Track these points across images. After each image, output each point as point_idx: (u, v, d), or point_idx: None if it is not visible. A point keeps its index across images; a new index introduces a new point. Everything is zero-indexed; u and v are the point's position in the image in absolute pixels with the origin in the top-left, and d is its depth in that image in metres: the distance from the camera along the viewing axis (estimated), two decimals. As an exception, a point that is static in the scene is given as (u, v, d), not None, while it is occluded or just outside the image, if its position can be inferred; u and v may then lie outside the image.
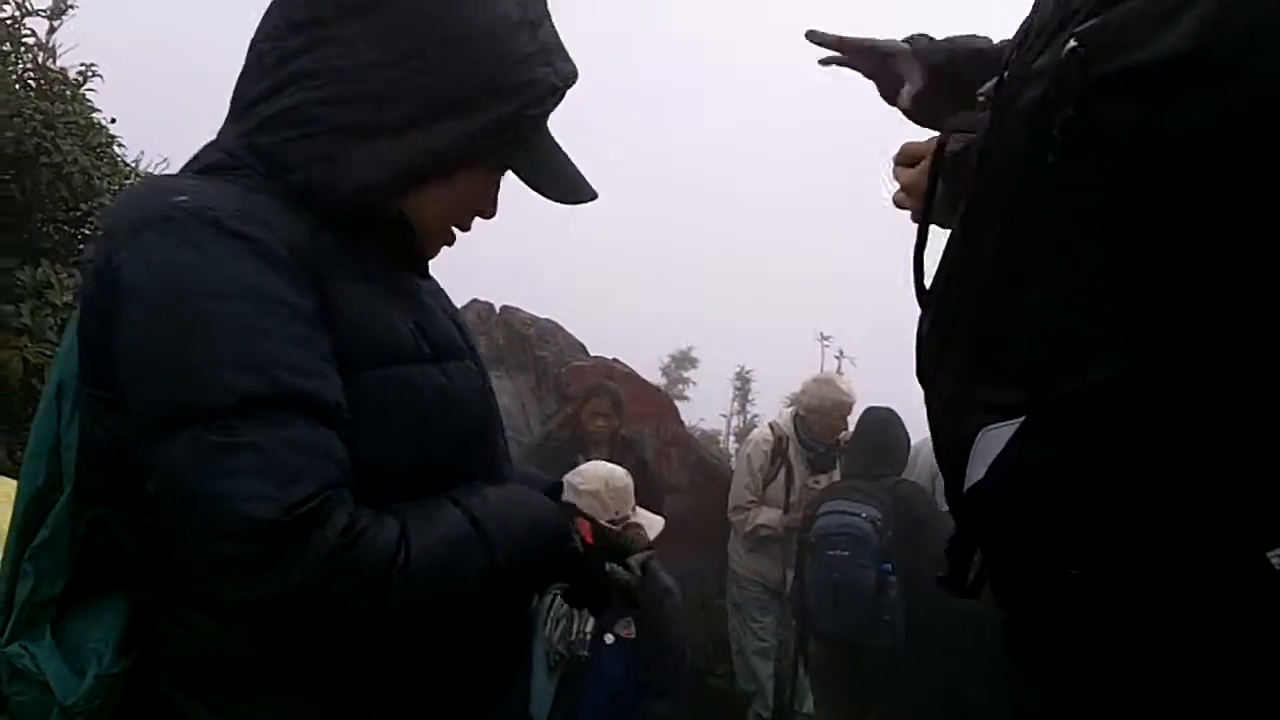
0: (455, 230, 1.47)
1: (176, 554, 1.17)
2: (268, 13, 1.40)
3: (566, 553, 1.44)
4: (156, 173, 4.40)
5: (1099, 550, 1.05)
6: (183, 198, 1.23)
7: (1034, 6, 1.21)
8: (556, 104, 1.42)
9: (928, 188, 1.41)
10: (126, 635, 1.29)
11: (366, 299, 1.31)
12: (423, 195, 1.38)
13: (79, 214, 3.95)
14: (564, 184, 1.46)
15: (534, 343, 7.44)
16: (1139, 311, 0.98)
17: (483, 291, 8.27)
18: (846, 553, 4.44)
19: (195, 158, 1.38)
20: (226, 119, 1.40)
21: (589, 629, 3.63)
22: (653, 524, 3.86)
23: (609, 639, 3.70)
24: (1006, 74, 1.19)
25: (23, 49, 4.12)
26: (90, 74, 4.27)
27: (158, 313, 1.18)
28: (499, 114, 1.35)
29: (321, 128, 1.31)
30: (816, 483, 5.58)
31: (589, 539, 1.51)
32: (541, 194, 1.45)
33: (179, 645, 1.28)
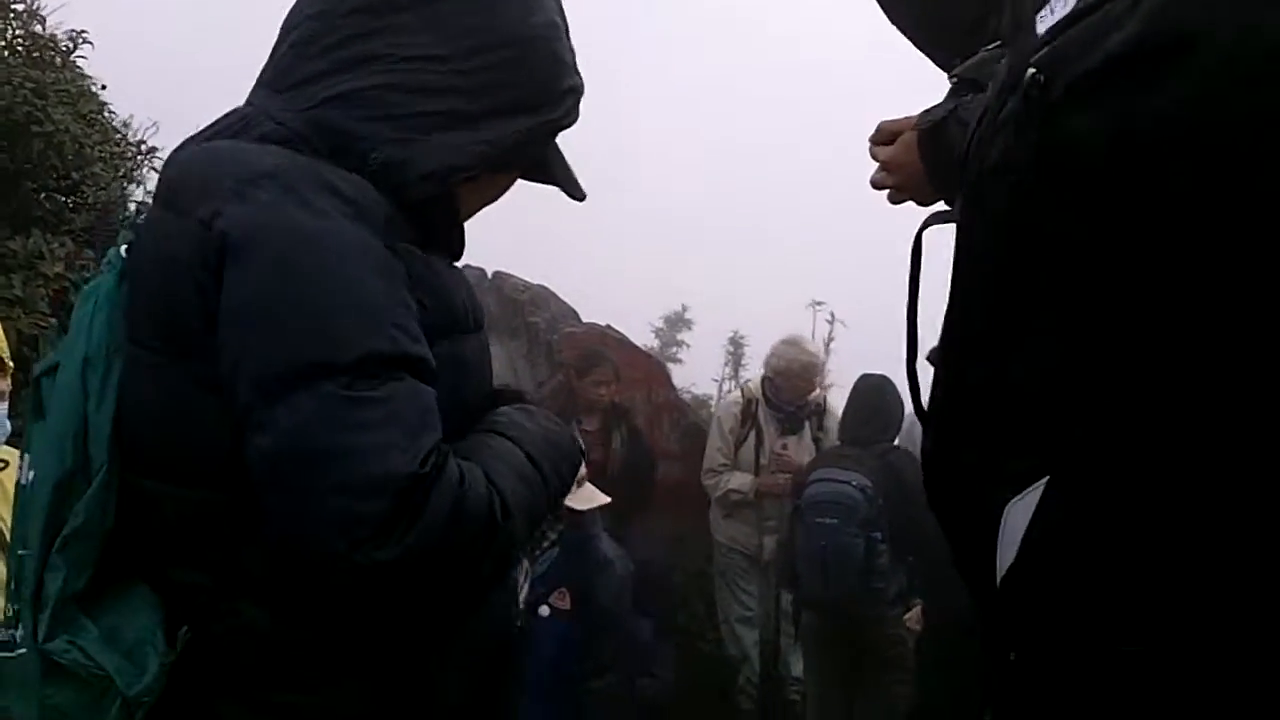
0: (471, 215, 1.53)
1: (282, 524, 1.16)
2: None
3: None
4: (147, 138, 4.39)
5: (1164, 618, 0.96)
6: (278, 160, 1.25)
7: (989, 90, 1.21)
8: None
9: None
10: (168, 625, 1.26)
11: (434, 272, 1.34)
12: (470, 187, 1.43)
13: (70, 183, 3.93)
14: (576, 183, 1.57)
15: (526, 309, 7.44)
16: (1154, 345, 0.96)
17: (473, 257, 8.25)
18: (835, 520, 4.47)
19: (238, 125, 1.35)
20: (265, 90, 1.38)
21: (522, 600, 3.64)
22: (592, 498, 3.89)
23: (544, 611, 3.72)
24: (972, 146, 1.17)
25: (11, 15, 4.09)
26: (80, 40, 4.24)
27: (281, 267, 1.18)
28: (550, 118, 1.44)
29: (400, 111, 1.33)
30: (784, 446, 5.61)
31: None
32: (567, 193, 1.57)
33: (227, 636, 1.25)
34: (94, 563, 1.28)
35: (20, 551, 1.34)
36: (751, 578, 5.82)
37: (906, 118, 1.74)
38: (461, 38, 1.37)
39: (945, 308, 1.22)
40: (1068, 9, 1.07)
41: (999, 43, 1.54)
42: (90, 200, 3.94)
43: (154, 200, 1.37)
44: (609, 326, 7.32)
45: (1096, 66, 0.98)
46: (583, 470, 4.01)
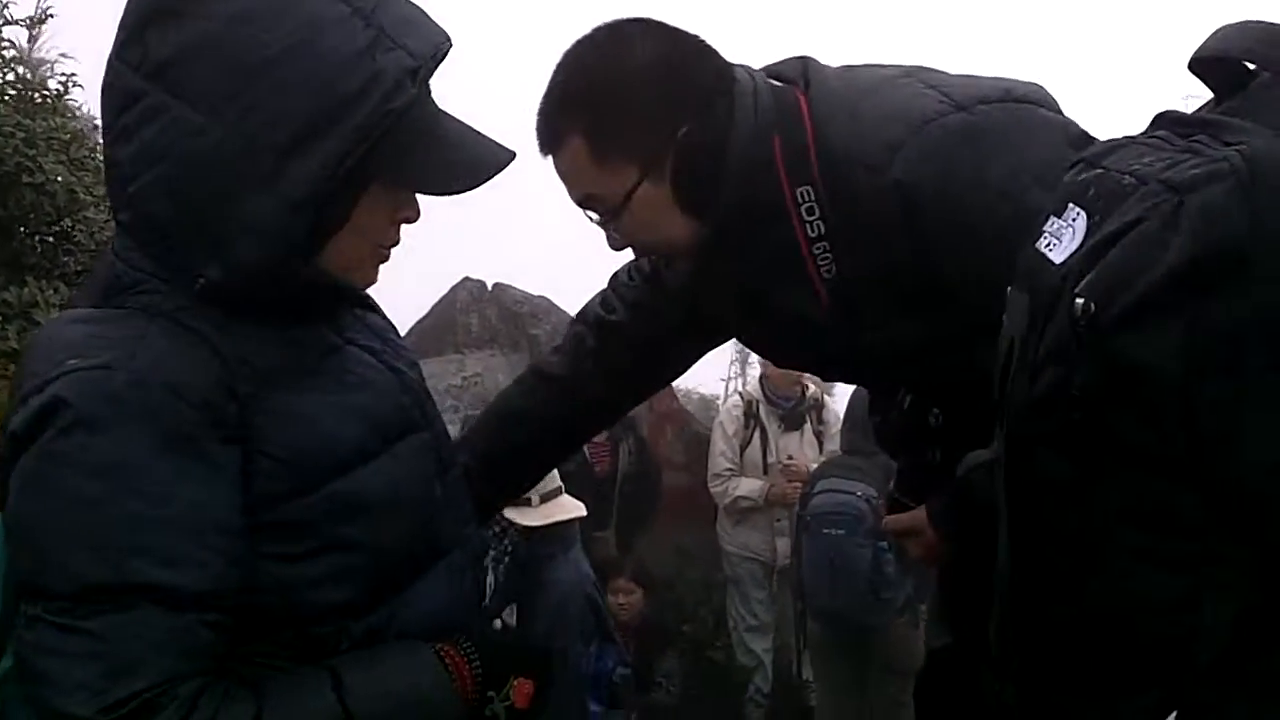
0: (385, 248, 1.36)
1: None
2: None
3: None
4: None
5: None
6: (74, 359, 1.17)
7: (1003, 333, 1.24)
8: (423, 82, 1.25)
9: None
10: None
11: (303, 411, 1.26)
12: (332, 244, 1.27)
13: (61, 229, 3.94)
14: (461, 170, 1.31)
15: (527, 321, 7.45)
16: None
17: (474, 270, 8.25)
18: (842, 531, 4.46)
19: (98, 274, 1.32)
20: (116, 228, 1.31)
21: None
22: (553, 513, 3.90)
23: (496, 624, 3.72)
24: (1008, 385, 1.19)
25: (2, 63, 4.09)
26: (71, 84, 4.25)
27: (27, 487, 1.15)
28: (352, 127, 1.19)
29: (184, 223, 1.21)
30: (790, 456, 5.61)
31: (522, 703, 1.39)
32: (432, 193, 1.32)
33: None
34: None
35: None
36: (763, 584, 5.80)
37: (910, 516, 1.90)
38: (209, 95, 1.18)
39: (1001, 558, 1.24)
40: (1080, 237, 1.10)
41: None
42: (82, 244, 3.94)
43: None
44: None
45: (1156, 285, 1.00)
46: (556, 482, 4.02)
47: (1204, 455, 1.01)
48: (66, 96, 4.26)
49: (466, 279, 7.68)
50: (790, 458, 5.60)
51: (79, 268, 3.99)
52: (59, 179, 3.71)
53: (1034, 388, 1.12)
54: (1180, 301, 1.00)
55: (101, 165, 3.97)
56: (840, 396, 5.53)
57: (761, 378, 5.84)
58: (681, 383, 7.91)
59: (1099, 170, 1.13)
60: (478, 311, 7.46)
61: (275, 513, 1.22)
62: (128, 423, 1.14)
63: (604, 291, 2.14)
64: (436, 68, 1.26)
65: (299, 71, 1.18)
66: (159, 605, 1.12)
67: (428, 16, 1.29)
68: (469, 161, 1.32)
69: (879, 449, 4.63)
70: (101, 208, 3.98)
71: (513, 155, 1.34)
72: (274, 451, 1.22)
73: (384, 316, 1.52)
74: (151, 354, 1.18)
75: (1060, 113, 1.68)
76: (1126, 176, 1.08)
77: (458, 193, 1.31)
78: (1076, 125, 1.63)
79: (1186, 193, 1.00)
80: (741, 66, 1.74)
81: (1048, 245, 1.14)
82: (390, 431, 1.35)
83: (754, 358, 8.22)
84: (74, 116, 4.27)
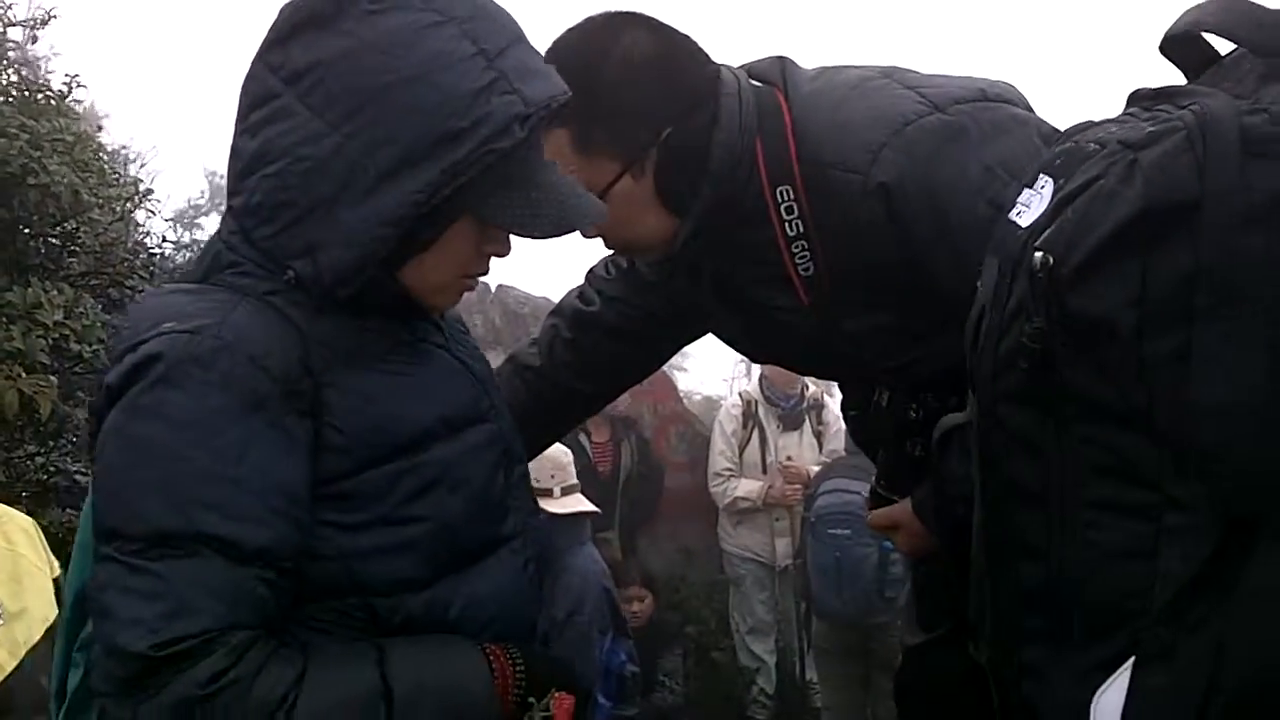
0: (470, 278, 1.42)
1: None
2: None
3: None
4: (147, 164, 4.40)
5: None
6: (169, 323, 1.26)
7: (976, 299, 1.27)
8: (531, 129, 1.31)
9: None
10: None
11: (373, 392, 1.32)
12: (417, 262, 1.34)
13: (65, 230, 3.93)
14: (546, 218, 1.36)
15: (529, 322, 7.43)
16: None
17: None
18: (848, 532, 4.47)
19: (204, 252, 1.40)
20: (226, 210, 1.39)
21: None
22: (588, 504, 3.96)
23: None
24: (979, 342, 1.23)
25: (4, 63, 4.09)
26: (75, 85, 4.24)
27: (113, 436, 1.24)
28: (451, 161, 1.25)
29: (288, 218, 1.30)
30: (789, 458, 5.60)
31: (562, 717, 1.39)
32: (513, 232, 1.38)
33: None
34: None
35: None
36: (765, 585, 5.79)
37: (896, 508, 1.89)
38: (340, 102, 1.26)
39: (976, 518, 1.28)
40: (1046, 201, 1.14)
41: None
42: (86, 244, 3.94)
43: None
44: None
45: (1109, 238, 1.05)
46: (574, 478, 4.01)
47: (1158, 405, 1.05)
48: (69, 98, 4.24)
49: (468, 280, 7.65)
50: (789, 458, 5.59)
51: (83, 269, 3.99)
52: (64, 180, 3.69)
53: (1000, 346, 1.16)
54: (1132, 253, 1.04)
55: (105, 167, 3.98)
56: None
57: (761, 377, 5.82)
58: (684, 383, 7.92)
59: (1070, 143, 1.18)
60: (481, 313, 7.45)
61: (341, 484, 1.28)
62: (209, 384, 1.22)
63: (581, 285, 2.16)
64: (547, 116, 1.33)
65: (416, 100, 1.25)
66: (220, 556, 1.19)
67: (551, 70, 1.37)
68: (556, 211, 1.36)
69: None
70: (105, 209, 3.98)
71: (603, 213, 1.43)
72: (343, 426, 1.28)
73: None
74: (239, 325, 1.26)
75: (1031, 110, 1.74)
76: (1092, 144, 1.13)
77: (538, 237, 1.36)
78: (1047, 123, 1.69)
79: (1140, 149, 1.06)
80: (725, 67, 1.78)
81: (1018, 213, 1.18)
82: (458, 418, 1.40)
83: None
84: (77, 117, 4.26)
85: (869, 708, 4.81)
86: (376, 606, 1.31)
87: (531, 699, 1.36)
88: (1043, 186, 1.16)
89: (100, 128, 4.30)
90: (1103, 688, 1.09)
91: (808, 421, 5.70)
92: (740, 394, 6.07)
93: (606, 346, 2.10)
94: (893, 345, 1.78)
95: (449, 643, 1.34)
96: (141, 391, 1.22)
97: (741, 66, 1.82)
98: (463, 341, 1.52)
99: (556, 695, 1.38)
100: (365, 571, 1.30)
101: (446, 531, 1.35)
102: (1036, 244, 1.10)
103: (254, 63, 1.34)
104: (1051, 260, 1.08)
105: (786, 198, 1.70)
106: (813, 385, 5.75)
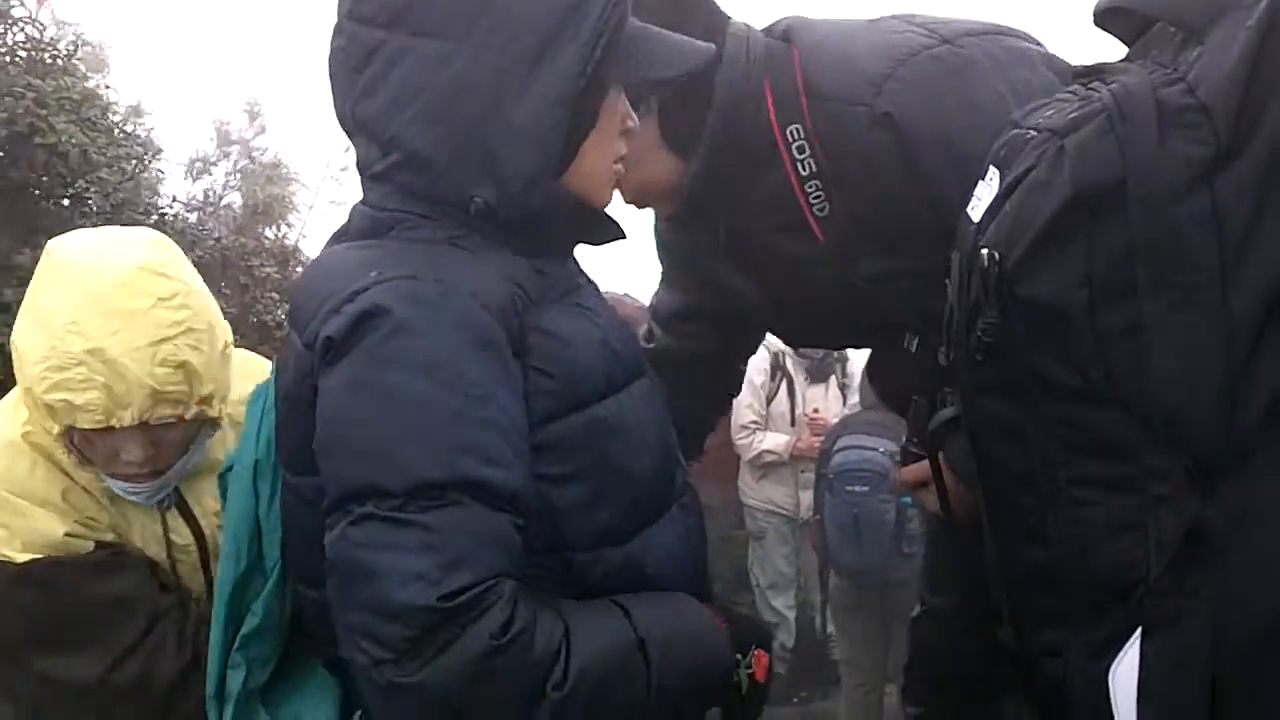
0: (617, 164, 1.42)
1: (338, 629, 1.17)
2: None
3: (725, 688, 1.36)
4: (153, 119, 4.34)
5: None
6: (375, 272, 1.21)
7: (947, 297, 1.30)
8: None
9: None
10: (344, 708, 1.33)
11: (566, 334, 1.29)
12: (580, 157, 1.34)
13: (74, 191, 3.90)
14: (677, 56, 1.40)
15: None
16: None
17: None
18: (865, 488, 4.44)
19: (349, 228, 1.36)
20: (362, 184, 1.37)
21: None
22: None
23: None
24: (951, 342, 1.26)
25: (11, 22, 4.04)
26: (80, 43, 4.19)
27: (352, 389, 1.18)
28: (589, 26, 1.27)
29: (451, 149, 1.27)
30: (816, 410, 5.58)
31: (761, 676, 1.39)
32: (664, 77, 1.40)
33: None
34: (274, 658, 1.35)
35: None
36: (787, 540, 5.78)
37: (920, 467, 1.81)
38: (450, 23, 1.26)
39: (984, 500, 1.29)
40: (994, 194, 1.17)
41: None
42: (96, 206, 3.91)
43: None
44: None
45: (1047, 226, 1.08)
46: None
47: (1119, 379, 1.07)
48: (75, 56, 4.19)
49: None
50: (815, 410, 5.56)
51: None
52: (72, 140, 3.65)
53: (969, 340, 1.18)
54: (1071, 236, 1.08)
55: (114, 126, 3.92)
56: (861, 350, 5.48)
57: (788, 330, 5.74)
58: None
59: (1014, 131, 1.20)
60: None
61: (546, 431, 1.25)
62: (443, 326, 1.18)
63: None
64: None
65: None
66: (480, 503, 1.15)
67: None
68: (680, 50, 1.40)
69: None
70: (115, 169, 3.94)
71: (711, 47, 1.44)
72: (547, 368, 1.25)
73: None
74: (453, 266, 1.24)
75: (1043, 47, 1.73)
76: (1030, 131, 1.16)
77: (683, 76, 1.39)
78: (1059, 58, 1.67)
79: (1065, 135, 1.09)
80: (738, 20, 1.78)
81: (973, 207, 1.20)
82: (627, 368, 1.37)
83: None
84: (84, 76, 4.22)
85: (888, 662, 4.80)
86: (574, 561, 1.28)
87: (739, 655, 1.37)
88: (992, 179, 1.18)
89: (109, 85, 4.23)
90: (1117, 660, 1.10)
91: (834, 374, 5.65)
92: (766, 346, 6.01)
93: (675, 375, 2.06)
94: (913, 291, 1.75)
95: (677, 598, 1.34)
96: (378, 342, 1.17)
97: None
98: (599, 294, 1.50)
99: (756, 652, 1.39)
100: (569, 526, 1.27)
101: (640, 484, 1.33)
102: (982, 241, 1.14)
103: (339, 29, 1.32)
104: (998, 255, 1.11)
105: (797, 136, 1.69)
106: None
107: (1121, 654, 1.09)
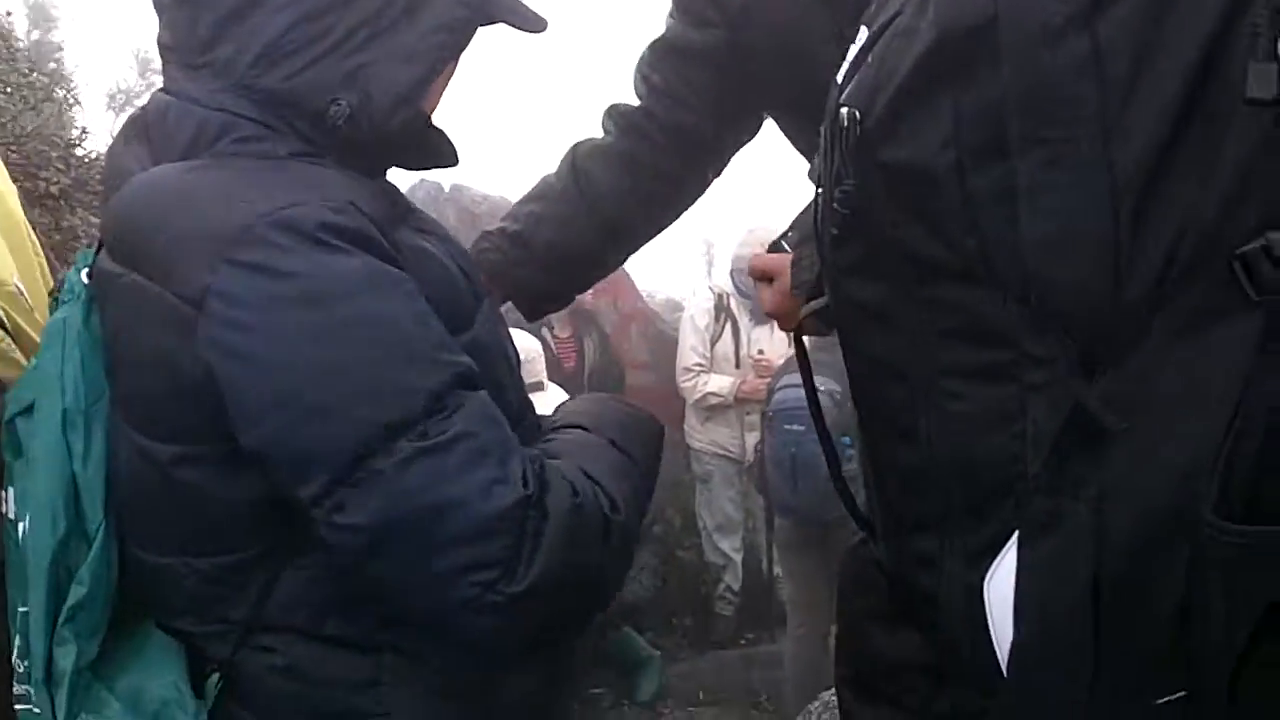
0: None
1: (404, 594, 1.11)
2: None
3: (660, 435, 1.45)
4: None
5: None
6: (253, 206, 1.10)
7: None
8: None
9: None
10: (192, 672, 1.20)
11: (420, 256, 1.22)
12: (435, 87, 1.30)
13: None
14: (530, 16, 1.37)
15: (485, 221, 7.25)
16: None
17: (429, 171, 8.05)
18: (803, 427, 4.36)
19: (166, 129, 1.21)
20: (179, 68, 1.22)
21: None
22: (553, 399, 3.80)
23: None
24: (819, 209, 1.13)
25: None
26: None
27: (305, 341, 1.08)
28: None
29: (318, 50, 1.18)
30: (761, 351, 5.48)
31: None
32: (524, 29, 1.36)
33: (264, 677, 1.19)
34: (103, 627, 1.20)
35: (21, 609, 1.23)
36: (732, 482, 5.73)
37: (777, 257, 1.62)
38: None
39: (853, 397, 1.19)
40: (862, 41, 1.04)
41: None
42: (-6, 136, 3.73)
43: (104, 244, 1.23)
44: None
45: (910, 77, 0.96)
46: (542, 375, 3.89)
47: (991, 251, 0.95)
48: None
49: (423, 180, 7.46)
50: (761, 352, 5.46)
51: None
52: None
53: (834, 217, 1.08)
54: (936, 89, 0.95)
55: (15, 51, 3.73)
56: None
57: (732, 271, 5.63)
58: (646, 284, 7.77)
59: None
60: (435, 212, 7.21)
61: None
62: (357, 247, 1.10)
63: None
64: None
65: None
66: (471, 389, 1.13)
67: None
68: (529, 10, 1.37)
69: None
70: (14, 96, 3.75)
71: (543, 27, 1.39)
72: (426, 291, 1.17)
73: None
74: (331, 185, 1.16)
75: None
76: None
77: (531, 30, 1.37)
78: None
79: None
80: None
81: (841, 71, 1.09)
82: (475, 289, 1.33)
83: (721, 257, 8.02)
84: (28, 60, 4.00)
85: (832, 601, 4.76)
86: None
87: None
88: (861, 38, 1.06)
89: (10, 13, 4.03)
90: (992, 567, 0.98)
91: None
92: (710, 287, 5.91)
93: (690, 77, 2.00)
94: None
95: (594, 400, 1.51)
96: (304, 282, 1.07)
97: None
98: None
99: None
100: None
101: (511, 402, 1.28)
102: (841, 100, 1.02)
103: None
104: (858, 114, 0.99)
105: None
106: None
107: (997, 561, 0.98)
